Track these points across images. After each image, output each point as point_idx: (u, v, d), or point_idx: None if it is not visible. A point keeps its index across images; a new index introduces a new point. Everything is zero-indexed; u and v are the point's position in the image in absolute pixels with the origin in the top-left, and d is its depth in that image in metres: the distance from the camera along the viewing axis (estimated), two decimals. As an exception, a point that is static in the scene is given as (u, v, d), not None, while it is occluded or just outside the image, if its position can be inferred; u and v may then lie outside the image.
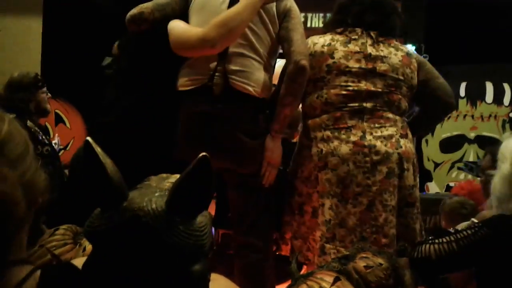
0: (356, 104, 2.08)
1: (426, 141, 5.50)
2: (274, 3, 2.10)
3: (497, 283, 1.56)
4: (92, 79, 3.46)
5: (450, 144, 5.44)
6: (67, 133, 5.63)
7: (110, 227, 0.76)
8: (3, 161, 0.80)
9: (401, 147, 2.07)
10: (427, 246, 1.61)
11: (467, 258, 1.59)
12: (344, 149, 2.03)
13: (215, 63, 2.05)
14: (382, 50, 2.15)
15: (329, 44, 2.15)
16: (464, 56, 5.15)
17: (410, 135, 2.16)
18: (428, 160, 5.49)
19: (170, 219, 0.75)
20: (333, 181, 2.03)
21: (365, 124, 2.07)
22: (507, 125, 5.32)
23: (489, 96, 5.37)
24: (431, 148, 5.50)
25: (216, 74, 2.04)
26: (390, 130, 2.08)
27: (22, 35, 5.39)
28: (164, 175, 0.84)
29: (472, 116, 5.39)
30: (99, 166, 0.73)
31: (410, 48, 2.21)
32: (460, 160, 5.45)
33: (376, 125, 2.07)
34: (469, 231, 1.58)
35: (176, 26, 2.10)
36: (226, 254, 2.59)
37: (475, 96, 5.38)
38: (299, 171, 2.17)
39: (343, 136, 2.05)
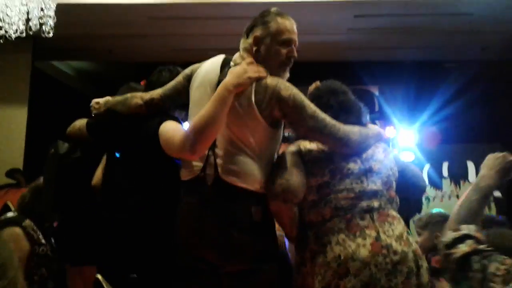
0: (365, 204, 2.06)
1: (414, 221, 5.47)
2: (252, 92, 2.02)
3: None
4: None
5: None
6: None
7: None
8: None
9: (412, 244, 2.04)
10: None
11: None
12: (363, 252, 1.98)
13: (206, 154, 2.03)
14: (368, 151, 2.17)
15: (324, 149, 2.13)
16: (446, 137, 5.27)
17: None
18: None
19: None
20: None
21: (376, 223, 2.04)
22: (491, 203, 5.35)
23: (472, 175, 5.44)
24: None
25: (207, 166, 2.02)
26: (399, 228, 2.06)
27: (7, 123, 5.40)
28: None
29: (457, 196, 5.42)
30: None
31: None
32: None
33: (386, 224, 2.05)
34: None
35: (164, 132, 2.14)
36: None
37: (458, 175, 5.44)
38: (316, 282, 2.03)
39: (359, 239, 2.01)
